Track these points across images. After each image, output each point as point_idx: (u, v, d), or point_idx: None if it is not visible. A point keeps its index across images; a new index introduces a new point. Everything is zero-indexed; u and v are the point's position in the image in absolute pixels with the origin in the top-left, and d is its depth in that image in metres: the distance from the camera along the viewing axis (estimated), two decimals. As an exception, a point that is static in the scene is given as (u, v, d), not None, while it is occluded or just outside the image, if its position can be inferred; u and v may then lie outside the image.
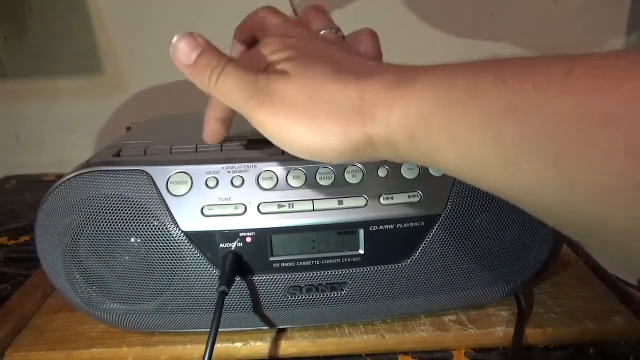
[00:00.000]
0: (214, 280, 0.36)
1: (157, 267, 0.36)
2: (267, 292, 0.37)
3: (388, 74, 0.25)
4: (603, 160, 0.17)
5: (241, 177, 0.35)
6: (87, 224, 0.35)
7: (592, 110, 0.17)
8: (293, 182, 0.36)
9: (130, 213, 0.35)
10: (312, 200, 0.35)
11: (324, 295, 0.38)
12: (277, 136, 0.27)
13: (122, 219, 0.35)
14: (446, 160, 0.23)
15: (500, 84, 0.20)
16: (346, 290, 0.38)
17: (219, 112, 0.35)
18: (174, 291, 0.36)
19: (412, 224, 0.36)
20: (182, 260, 0.35)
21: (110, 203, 0.35)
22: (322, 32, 0.32)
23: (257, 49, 0.30)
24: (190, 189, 0.35)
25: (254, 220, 0.35)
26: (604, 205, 0.18)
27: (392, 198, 0.36)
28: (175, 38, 0.28)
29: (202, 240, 0.35)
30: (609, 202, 0.17)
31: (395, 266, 0.37)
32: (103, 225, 0.35)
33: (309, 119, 0.25)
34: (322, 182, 0.36)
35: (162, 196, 0.35)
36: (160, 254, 0.35)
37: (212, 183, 0.35)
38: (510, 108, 0.19)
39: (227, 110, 0.35)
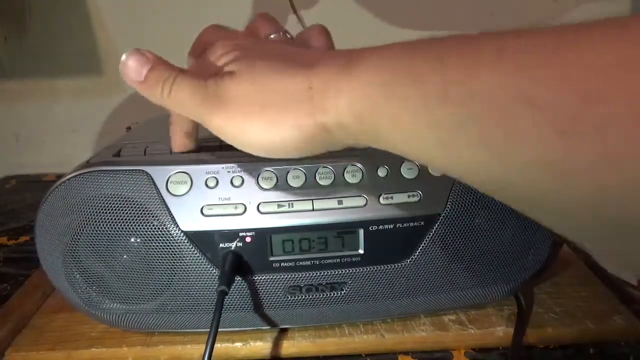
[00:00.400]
0: (213, 280, 0.36)
1: (157, 267, 0.36)
2: (267, 292, 0.37)
3: (334, 60, 0.25)
4: (530, 139, 0.17)
5: (241, 177, 0.35)
6: (87, 224, 0.35)
7: (518, 90, 0.17)
8: (293, 182, 0.36)
9: (130, 213, 0.35)
10: (312, 200, 0.35)
11: (323, 295, 0.38)
12: (234, 138, 0.27)
13: (122, 219, 0.35)
14: (393, 143, 0.23)
15: (438, 66, 0.20)
16: (346, 290, 0.38)
17: (183, 124, 0.36)
18: (174, 291, 0.36)
19: (412, 224, 0.36)
20: (182, 260, 0.35)
21: (110, 203, 0.35)
22: (270, 37, 0.33)
23: (205, 56, 0.30)
24: (190, 189, 0.35)
25: (253, 220, 0.35)
26: (535, 181, 0.18)
27: (392, 198, 0.36)
28: (124, 56, 0.28)
29: (202, 240, 0.35)
30: (539, 178, 0.18)
31: (395, 266, 0.37)
32: (103, 225, 0.35)
33: (260, 116, 0.25)
34: (321, 182, 0.36)
35: (162, 196, 0.35)
36: (160, 254, 0.35)
37: (212, 183, 0.35)
38: (444, 90, 0.19)
39: (190, 122, 0.35)
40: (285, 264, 0.36)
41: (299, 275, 0.37)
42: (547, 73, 0.17)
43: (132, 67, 0.28)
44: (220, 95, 0.26)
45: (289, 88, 0.25)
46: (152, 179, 0.35)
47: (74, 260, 0.36)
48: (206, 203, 0.35)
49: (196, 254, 0.35)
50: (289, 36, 0.34)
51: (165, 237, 0.35)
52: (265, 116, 0.25)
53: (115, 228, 0.35)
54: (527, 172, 0.18)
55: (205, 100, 0.27)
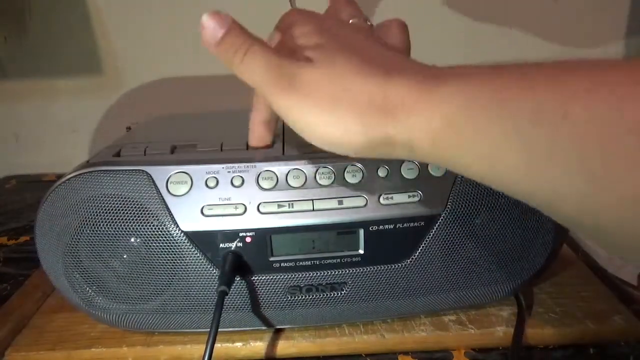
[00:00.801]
0: (214, 280, 0.36)
1: (157, 267, 0.36)
2: (267, 292, 0.37)
3: (413, 73, 0.24)
4: (633, 169, 0.17)
5: (241, 177, 0.35)
6: (87, 224, 0.35)
7: (628, 121, 0.17)
8: (293, 182, 0.36)
9: (130, 213, 0.35)
10: (312, 200, 0.35)
11: (324, 295, 0.38)
12: (296, 123, 0.26)
13: (122, 219, 0.35)
14: (469, 165, 0.22)
15: (525, 91, 0.20)
16: (346, 290, 0.38)
17: (263, 113, 0.36)
18: (174, 291, 0.36)
19: (412, 224, 0.36)
20: (182, 260, 0.35)
21: (110, 203, 0.35)
22: (351, 21, 0.32)
23: (287, 33, 0.29)
24: (190, 189, 0.35)
25: (254, 220, 0.35)
26: (633, 214, 0.18)
27: (392, 198, 0.36)
28: (204, 17, 0.28)
29: (202, 240, 0.35)
30: (631, 210, 0.17)
31: (395, 266, 0.37)
32: (103, 225, 0.35)
33: (330, 110, 0.25)
34: (322, 182, 0.36)
35: (162, 196, 0.35)
36: (160, 254, 0.35)
37: (212, 183, 0.35)
38: (538, 114, 0.19)
39: (271, 111, 0.35)
40: (286, 264, 0.36)
41: (299, 275, 0.37)
42: None
43: (210, 28, 0.28)
44: (294, 78, 0.26)
45: (363, 91, 0.25)
46: (152, 179, 0.35)
47: (74, 260, 0.36)
48: (206, 203, 0.35)
49: (196, 254, 0.35)
50: (369, 23, 0.32)
51: (165, 237, 0.35)
52: (334, 111, 0.25)
53: (115, 228, 0.35)
54: (626, 203, 0.18)
55: (278, 79, 0.26)
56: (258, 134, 0.37)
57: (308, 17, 0.30)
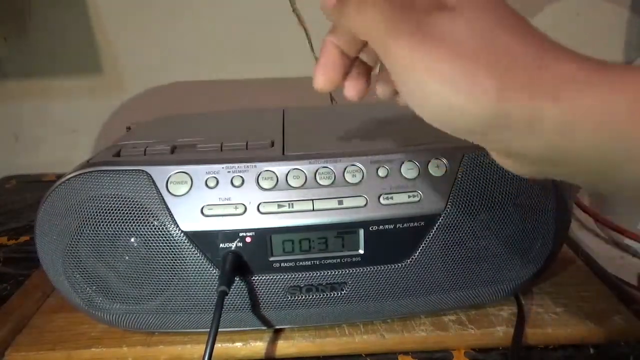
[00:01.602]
0: (214, 280, 0.36)
1: (157, 267, 0.36)
2: (267, 292, 0.37)
3: (575, 53, 0.20)
4: None
5: (241, 177, 0.35)
6: (87, 224, 0.35)
7: None
8: (293, 182, 0.36)
9: (130, 213, 0.35)
10: (312, 200, 0.35)
11: (324, 295, 0.38)
12: (412, 77, 0.22)
13: (122, 219, 0.35)
14: (628, 165, 0.19)
15: None
16: (346, 290, 0.38)
17: (342, 38, 0.27)
18: (174, 291, 0.36)
19: (412, 224, 0.36)
20: (182, 260, 0.35)
21: (110, 203, 0.35)
22: None
23: None
24: (190, 189, 0.35)
25: (253, 220, 0.35)
26: None
27: (392, 198, 0.36)
28: None
29: (202, 240, 0.35)
30: None
31: (395, 266, 0.37)
32: (103, 225, 0.35)
33: (466, 65, 0.20)
34: (322, 182, 0.36)
35: (162, 196, 0.35)
36: (160, 254, 0.35)
37: (212, 183, 0.35)
38: None
39: (352, 39, 0.26)
40: (286, 264, 0.36)
41: (299, 275, 0.37)
42: None
43: None
44: (426, 22, 0.21)
45: (519, 53, 0.20)
46: (152, 179, 0.35)
47: (74, 261, 0.36)
48: (206, 203, 0.35)
49: (196, 254, 0.35)
50: None
51: (165, 237, 0.35)
52: (471, 67, 0.20)
53: (115, 228, 0.35)
54: None
55: (403, 22, 0.21)
56: (328, 59, 0.27)
57: None
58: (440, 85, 0.21)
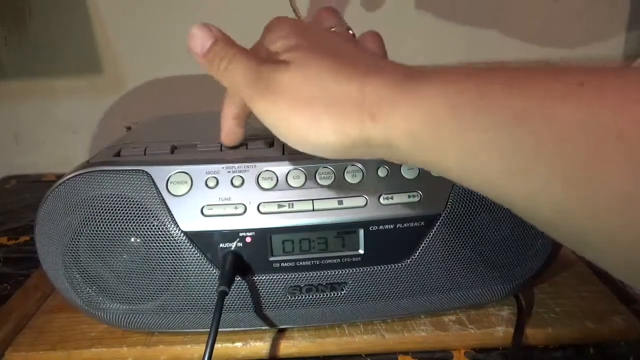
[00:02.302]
0: (214, 280, 0.36)
1: (157, 267, 0.36)
2: (267, 292, 0.37)
3: (393, 72, 0.24)
4: (612, 175, 0.17)
5: (241, 177, 0.35)
6: (87, 224, 0.35)
7: (606, 126, 0.17)
8: (293, 182, 0.36)
9: (130, 213, 0.35)
10: (312, 200, 0.35)
11: (324, 295, 0.38)
12: (275, 126, 0.26)
13: (122, 219, 0.35)
14: (449, 166, 0.22)
15: (511, 90, 0.20)
16: (346, 290, 0.38)
17: (234, 107, 0.35)
18: (174, 291, 0.36)
19: (412, 224, 0.36)
20: (182, 260, 0.35)
21: (110, 203, 0.35)
22: (332, 29, 0.32)
23: (264, 38, 0.30)
24: (190, 189, 0.35)
25: (254, 220, 0.35)
26: (607, 218, 0.18)
27: (392, 198, 0.36)
28: (193, 28, 0.29)
29: (202, 240, 0.35)
30: (613, 215, 0.17)
31: (395, 266, 0.37)
32: (103, 225, 0.35)
33: (307, 111, 0.25)
34: (322, 182, 0.36)
35: (162, 196, 0.35)
36: (160, 254, 0.35)
37: (212, 183, 0.35)
38: (523, 115, 0.19)
39: (242, 106, 0.35)
40: (286, 264, 0.36)
41: (299, 275, 0.37)
42: (633, 106, 0.17)
43: (197, 39, 0.29)
44: (271, 81, 0.26)
45: (341, 89, 0.24)
46: (152, 179, 0.35)
47: (74, 260, 0.36)
48: (206, 203, 0.35)
49: (196, 254, 0.35)
50: (351, 32, 0.33)
51: (165, 237, 0.35)
52: (311, 112, 0.25)
53: (115, 228, 0.35)
54: (605, 208, 0.18)
55: (256, 83, 0.27)
56: (228, 129, 0.36)
57: (289, 22, 0.31)
58: (295, 129, 0.25)
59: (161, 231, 0.35)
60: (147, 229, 0.35)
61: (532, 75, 0.20)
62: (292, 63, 0.26)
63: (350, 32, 0.33)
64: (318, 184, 0.36)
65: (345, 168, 0.36)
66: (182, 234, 0.35)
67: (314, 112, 0.25)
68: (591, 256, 0.20)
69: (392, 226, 0.36)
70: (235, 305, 0.37)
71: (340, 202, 0.36)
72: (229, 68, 0.28)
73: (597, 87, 0.18)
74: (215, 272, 0.36)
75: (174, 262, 0.35)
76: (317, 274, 0.37)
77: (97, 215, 0.35)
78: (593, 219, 0.18)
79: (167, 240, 0.35)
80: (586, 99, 0.18)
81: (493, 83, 0.20)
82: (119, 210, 0.35)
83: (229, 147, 0.38)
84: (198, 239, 0.35)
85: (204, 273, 0.36)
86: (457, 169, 0.22)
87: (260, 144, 0.39)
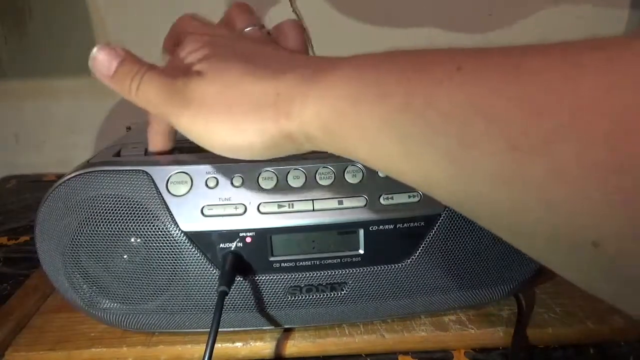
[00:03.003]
0: (214, 280, 0.36)
1: (157, 267, 0.36)
2: (267, 292, 0.37)
3: (303, 68, 0.25)
4: (486, 153, 0.18)
5: (241, 177, 0.35)
6: (87, 224, 0.35)
7: (478, 107, 0.18)
8: (293, 182, 0.36)
9: (131, 213, 0.35)
10: (312, 200, 0.35)
11: (324, 295, 0.38)
12: (200, 138, 0.27)
13: (122, 219, 0.35)
14: (359, 154, 0.23)
15: (402, 79, 0.20)
16: (346, 291, 0.38)
17: (156, 124, 0.36)
18: (174, 291, 0.36)
19: (412, 224, 0.36)
20: (182, 260, 0.35)
21: (110, 203, 0.35)
22: (245, 30, 0.32)
23: (176, 53, 0.29)
24: (190, 189, 0.35)
25: (254, 220, 0.35)
26: (490, 196, 0.18)
27: (392, 198, 0.36)
28: (94, 50, 0.28)
29: (202, 240, 0.35)
30: (495, 193, 0.18)
31: (395, 266, 0.37)
32: (103, 225, 0.35)
33: (225, 117, 0.25)
34: (322, 182, 0.36)
35: (162, 196, 0.35)
36: (160, 254, 0.35)
37: (212, 183, 0.35)
38: (407, 104, 0.20)
39: (165, 123, 0.35)
40: (286, 264, 0.36)
41: (299, 275, 0.37)
42: (501, 89, 0.17)
43: (101, 61, 0.28)
44: (186, 94, 0.26)
45: (256, 92, 0.25)
46: (152, 179, 0.35)
47: (74, 261, 0.36)
48: (206, 203, 0.35)
49: (196, 254, 0.35)
50: (264, 30, 0.33)
51: (165, 237, 0.35)
52: (230, 118, 0.25)
53: (115, 228, 0.35)
54: (484, 187, 0.18)
55: (171, 98, 0.26)
56: (156, 144, 0.37)
57: (197, 29, 0.31)
58: (219, 137, 0.26)
59: (161, 231, 0.35)
60: (147, 229, 0.35)
61: (423, 60, 0.21)
62: (206, 73, 0.26)
63: (264, 30, 0.33)
64: (318, 184, 0.36)
65: (346, 168, 0.36)
66: (182, 234, 0.35)
67: (233, 118, 0.25)
68: (503, 237, 0.21)
69: (392, 226, 0.36)
70: (236, 305, 0.37)
71: (340, 202, 0.36)
72: (140, 88, 0.27)
73: (473, 70, 0.19)
74: (215, 272, 0.36)
75: (174, 262, 0.35)
76: (317, 274, 0.37)
77: (97, 215, 0.35)
78: (480, 196, 0.19)
79: (167, 240, 0.35)
80: (458, 83, 0.19)
81: (388, 74, 0.21)
82: (119, 210, 0.35)
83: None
84: (198, 239, 0.35)
85: (204, 273, 0.36)
86: (366, 157, 0.23)
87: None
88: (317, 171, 0.36)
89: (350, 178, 0.36)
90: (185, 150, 0.38)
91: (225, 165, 0.35)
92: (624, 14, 0.76)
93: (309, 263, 0.37)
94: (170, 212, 0.35)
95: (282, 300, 0.38)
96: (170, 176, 0.35)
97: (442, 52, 0.21)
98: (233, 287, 0.35)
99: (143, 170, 0.35)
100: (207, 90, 0.26)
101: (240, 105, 0.25)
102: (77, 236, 0.35)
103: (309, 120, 0.23)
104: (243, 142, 0.25)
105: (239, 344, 0.40)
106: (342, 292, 0.38)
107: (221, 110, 0.25)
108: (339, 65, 0.24)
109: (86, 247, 0.36)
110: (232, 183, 0.35)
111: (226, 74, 0.26)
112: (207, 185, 0.35)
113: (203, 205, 0.35)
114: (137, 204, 0.35)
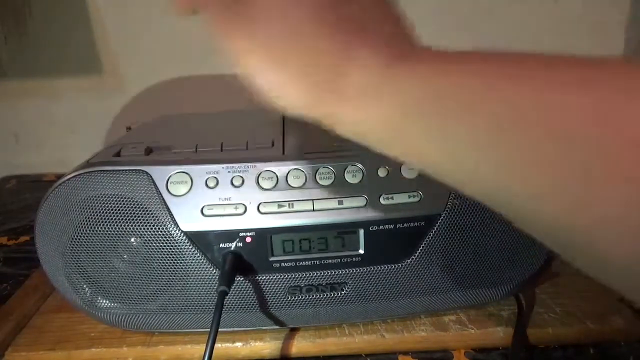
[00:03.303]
0: (214, 280, 0.36)
1: (157, 267, 0.36)
2: (267, 292, 0.37)
3: (379, 47, 0.22)
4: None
5: (241, 177, 0.35)
6: (87, 224, 0.35)
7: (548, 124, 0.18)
8: (293, 182, 0.36)
9: (130, 213, 0.35)
10: (312, 200, 0.35)
11: (324, 295, 0.38)
12: (245, 67, 0.24)
13: (122, 219, 0.35)
14: (426, 158, 0.23)
15: (488, 89, 0.20)
16: (346, 290, 0.38)
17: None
18: (174, 291, 0.36)
19: (412, 224, 0.36)
20: (182, 260, 0.35)
21: (110, 203, 0.35)
22: None
23: None
24: (190, 189, 0.35)
25: (254, 220, 0.35)
26: (540, 211, 0.20)
27: (392, 198, 0.36)
28: None
29: (202, 240, 0.35)
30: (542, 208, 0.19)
31: (395, 266, 0.37)
32: (103, 225, 0.35)
33: (278, 63, 0.23)
34: (322, 182, 0.36)
35: (162, 196, 0.35)
36: (160, 254, 0.35)
37: (212, 183, 0.35)
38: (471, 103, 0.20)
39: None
40: (286, 264, 0.36)
41: (299, 275, 0.37)
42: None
43: None
44: (248, 20, 0.23)
45: (321, 49, 0.22)
46: (152, 179, 0.35)
47: (74, 261, 0.36)
48: (206, 203, 0.35)
49: (196, 254, 0.35)
50: None
51: (165, 237, 0.35)
52: (282, 65, 0.23)
53: (115, 228, 0.35)
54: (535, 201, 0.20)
55: (229, 21, 0.24)
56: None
57: None
58: (264, 75, 0.23)
59: (161, 231, 0.35)
60: (147, 229, 0.35)
61: (501, 67, 0.22)
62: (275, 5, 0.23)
63: None
64: (318, 184, 0.36)
65: (346, 168, 0.36)
66: (182, 234, 0.35)
67: (286, 68, 0.23)
68: (538, 235, 0.22)
69: (392, 226, 0.36)
70: (236, 305, 0.37)
71: (340, 202, 0.35)
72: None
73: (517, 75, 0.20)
74: (215, 272, 0.36)
75: (174, 262, 0.35)
76: (317, 274, 0.37)
77: (97, 215, 0.35)
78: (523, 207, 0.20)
79: (167, 240, 0.35)
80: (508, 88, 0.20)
81: (469, 78, 0.21)
82: (119, 210, 0.35)
83: None
84: (198, 239, 0.35)
85: (204, 273, 0.36)
86: (424, 161, 0.23)
87: (260, 144, 0.39)
88: (317, 171, 0.36)
89: (350, 178, 0.36)
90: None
91: (225, 165, 0.35)
92: (624, 11, 0.76)
93: (309, 263, 0.37)
94: (170, 212, 0.35)
95: (282, 300, 0.38)
96: (170, 176, 0.35)
97: (510, 56, 0.22)
98: (233, 287, 0.35)
99: (143, 170, 0.35)
100: (268, 30, 0.23)
101: (296, 62, 0.23)
102: (77, 236, 0.35)
103: (370, 111, 0.22)
104: (285, 89, 0.23)
105: (239, 344, 0.40)
106: (342, 292, 0.38)
107: (278, 53, 0.23)
108: (417, 60, 0.22)
109: (86, 247, 0.36)
110: (232, 183, 0.35)
111: (291, 19, 0.23)
112: (207, 185, 0.35)
113: (203, 205, 0.35)
114: (137, 204, 0.35)
